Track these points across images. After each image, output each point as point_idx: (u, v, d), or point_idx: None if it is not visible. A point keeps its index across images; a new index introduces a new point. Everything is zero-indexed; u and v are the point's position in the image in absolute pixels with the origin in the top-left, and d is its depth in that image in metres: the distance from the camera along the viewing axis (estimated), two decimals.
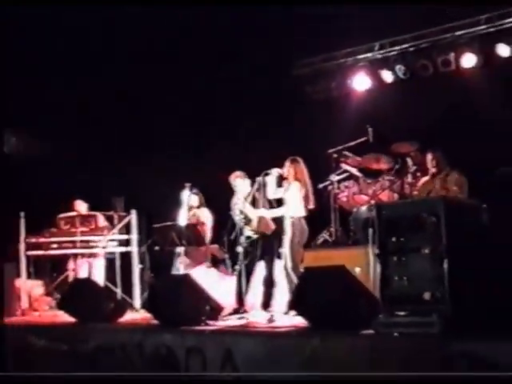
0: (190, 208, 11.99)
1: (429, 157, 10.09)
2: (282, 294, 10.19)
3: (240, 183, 11.07)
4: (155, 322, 9.53)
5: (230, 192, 11.17)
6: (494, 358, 6.22)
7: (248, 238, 10.67)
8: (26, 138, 14.92)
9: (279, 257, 10.56)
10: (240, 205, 10.81)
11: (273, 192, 10.60)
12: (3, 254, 12.83)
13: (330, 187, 11.72)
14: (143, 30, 12.79)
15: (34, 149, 14.81)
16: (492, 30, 12.12)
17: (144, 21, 12.51)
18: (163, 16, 12.33)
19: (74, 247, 12.80)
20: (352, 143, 11.88)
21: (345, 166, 11.93)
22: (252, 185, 10.91)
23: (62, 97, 13.76)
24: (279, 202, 10.76)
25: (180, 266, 11.77)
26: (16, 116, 13.78)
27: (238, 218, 10.72)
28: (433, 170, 10.04)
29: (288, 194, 10.50)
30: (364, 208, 11.24)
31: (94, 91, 13.75)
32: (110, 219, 13.19)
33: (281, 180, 10.66)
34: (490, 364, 6.22)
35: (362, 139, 11.86)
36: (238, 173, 11.15)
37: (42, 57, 13.13)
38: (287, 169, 10.58)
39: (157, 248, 12.24)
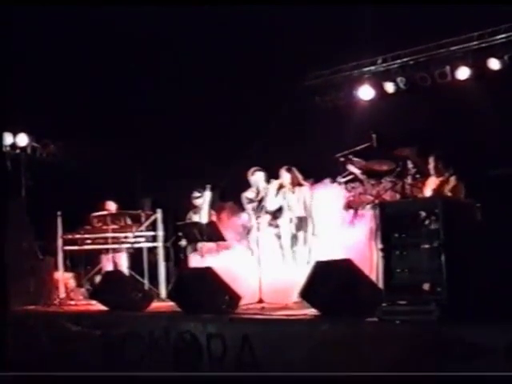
0: (211, 207, 12.12)
1: (430, 160, 9.99)
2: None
3: (257, 178, 11.20)
4: (179, 310, 9.53)
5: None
6: (486, 343, 6.22)
7: None
8: (63, 144, 14.95)
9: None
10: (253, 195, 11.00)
11: (272, 201, 10.75)
12: (43, 249, 12.92)
13: None
14: (164, 32, 12.73)
15: (71, 154, 14.85)
16: (484, 45, 12.11)
17: (161, 23, 12.44)
18: (182, 22, 12.31)
19: (106, 243, 12.85)
20: (357, 148, 11.85)
21: (351, 169, 11.91)
22: (267, 182, 11.13)
23: (91, 102, 13.73)
24: None
25: (201, 260, 11.81)
26: (52, 122, 13.79)
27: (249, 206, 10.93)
28: (432, 173, 9.96)
29: (292, 197, 10.63)
30: (368, 207, 11.23)
31: (123, 96, 13.72)
32: (137, 218, 13.23)
33: (278, 190, 10.85)
34: (482, 348, 6.22)
35: (367, 144, 11.83)
36: (255, 169, 11.30)
37: (72, 62, 13.07)
38: (286, 176, 10.77)
39: (181, 243, 12.27)
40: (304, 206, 10.81)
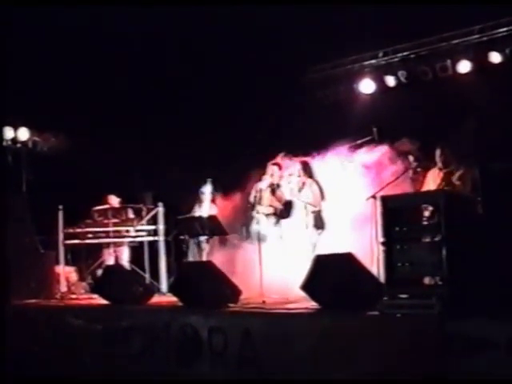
0: (212, 200, 12.11)
1: (437, 152, 9.97)
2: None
3: (273, 170, 11.20)
4: (180, 304, 9.53)
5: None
6: (487, 337, 6.22)
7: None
8: (63, 137, 14.93)
9: None
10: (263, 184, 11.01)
11: (294, 194, 10.79)
12: (44, 243, 12.91)
13: None
14: (164, 28, 12.70)
15: (72, 148, 14.82)
16: (484, 39, 12.11)
17: (162, 19, 12.43)
18: (183, 18, 12.29)
19: (107, 237, 12.87)
20: (358, 141, 11.85)
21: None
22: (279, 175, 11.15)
23: (94, 96, 13.70)
24: None
25: (203, 254, 11.82)
26: (52, 116, 13.76)
27: (254, 196, 10.92)
28: (439, 165, 9.94)
29: (305, 191, 10.65)
30: None
31: (124, 90, 13.70)
32: (139, 212, 13.24)
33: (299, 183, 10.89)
34: (483, 342, 6.22)
35: (368, 138, 11.82)
36: (275, 161, 11.31)
37: (70, 56, 13.05)
38: (300, 169, 10.79)
39: (182, 237, 12.26)
40: (313, 199, 10.82)
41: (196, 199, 12.55)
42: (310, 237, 10.74)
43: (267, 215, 11.09)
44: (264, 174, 11.44)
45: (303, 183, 10.94)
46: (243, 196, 11.78)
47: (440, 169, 9.92)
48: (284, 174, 11.30)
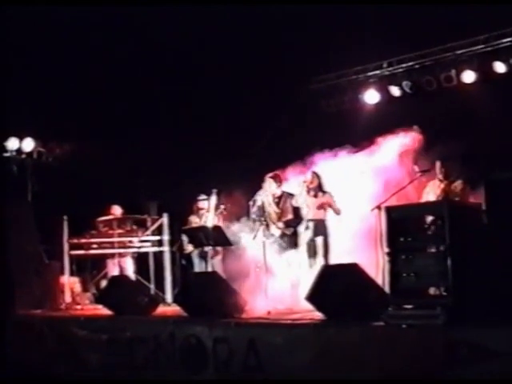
0: (217, 211, 12.07)
1: (437, 164, 10.03)
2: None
3: (269, 183, 11.15)
4: (185, 314, 9.53)
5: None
6: (492, 347, 6.21)
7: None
8: (68, 148, 14.96)
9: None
10: (263, 198, 10.94)
11: (302, 200, 10.73)
12: (49, 253, 12.93)
13: None
14: (166, 34, 12.73)
15: (76, 158, 14.84)
16: (489, 49, 12.14)
17: (164, 24, 12.45)
18: (187, 25, 12.33)
19: (112, 247, 12.89)
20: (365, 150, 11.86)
21: None
22: (277, 187, 11.05)
23: (99, 106, 13.73)
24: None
25: (208, 264, 11.81)
26: (57, 127, 13.79)
27: (256, 210, 10.87)
28: (440, 176, 10.00)
29: (318, 202, 10.64)
30: None
31: (127, 100, 13.72)
32: (143, 222, 13.25)
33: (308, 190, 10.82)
34: (488, 352, 6.21)
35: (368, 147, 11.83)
36: (271, 174, 11.24)
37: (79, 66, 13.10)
38: (312, 180, 10.74)
39: (187, 248, 12.25)
40: (322, 210, 10.77)
41: (194, 207, 12.45)
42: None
43: (278, 228, 11.01)
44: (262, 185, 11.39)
45: (315, 194, 10.89)
46: (248, 207, 11.75)
47: (440, 180, 9.97)
48: (296, 185, 11.21)
